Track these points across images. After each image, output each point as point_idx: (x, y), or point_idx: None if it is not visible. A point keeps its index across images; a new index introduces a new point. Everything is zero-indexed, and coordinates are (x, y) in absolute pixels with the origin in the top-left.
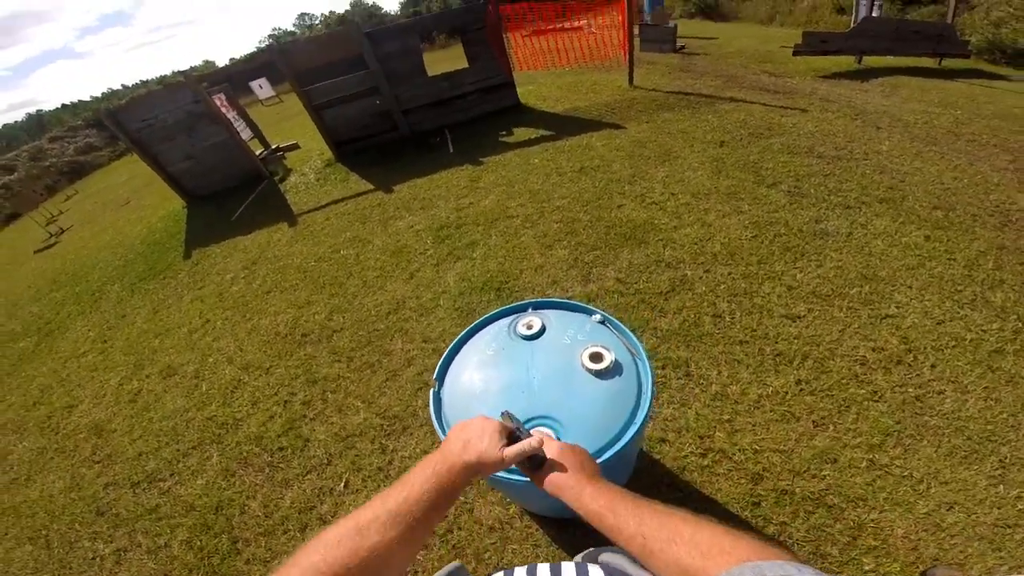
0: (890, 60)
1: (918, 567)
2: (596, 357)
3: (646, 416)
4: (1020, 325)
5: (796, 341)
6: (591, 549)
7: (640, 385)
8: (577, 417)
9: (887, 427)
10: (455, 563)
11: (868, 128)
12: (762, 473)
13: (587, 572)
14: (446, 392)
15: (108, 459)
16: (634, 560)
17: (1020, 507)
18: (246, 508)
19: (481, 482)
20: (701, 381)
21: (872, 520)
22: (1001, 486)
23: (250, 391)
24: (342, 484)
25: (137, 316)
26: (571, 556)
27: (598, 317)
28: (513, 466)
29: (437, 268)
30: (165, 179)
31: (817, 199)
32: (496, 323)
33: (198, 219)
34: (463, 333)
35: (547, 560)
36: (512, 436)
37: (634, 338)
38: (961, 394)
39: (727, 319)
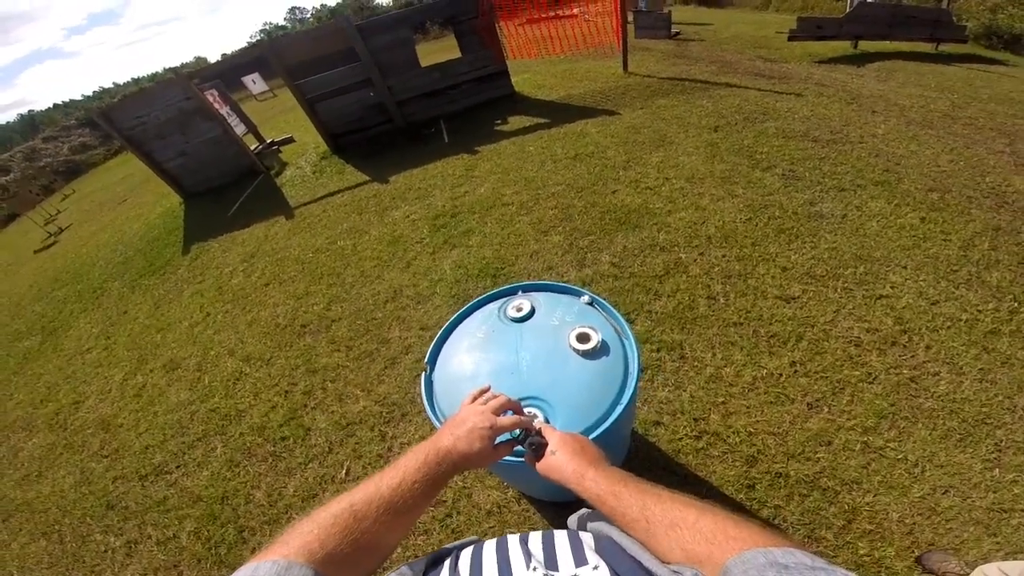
0: (886, 45)
1: (913, 552)
2: (583, 338)
3: (633, 394)
4: (1016, 305)
5: (790, 322)
6: (585, 511)
7: (627, 364)
8: (565, 397)
9: (881, 409)
10: (473, 537)
11: (864, 112)
12: (756, 456)
13: (578, 538)
14: (438, 376)
15: (116, 453)
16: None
17: (1016, 491)
18: (251, 498)
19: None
20: (696, 363)
21: (867, 504)
22: (997, 469)
23: (252, 382)
24: (343, 471)
25: (139, 312)
26: None
27: (586, 298)
28: (517, 448)
29: (433, 256)
30: (161, 176)
31: (812, 182)
32: (486, 307)
33: (195, 215)
34: (454, 317)
35: None
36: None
37: (621, 318)
38: (956, 376)
39: (721, 301)
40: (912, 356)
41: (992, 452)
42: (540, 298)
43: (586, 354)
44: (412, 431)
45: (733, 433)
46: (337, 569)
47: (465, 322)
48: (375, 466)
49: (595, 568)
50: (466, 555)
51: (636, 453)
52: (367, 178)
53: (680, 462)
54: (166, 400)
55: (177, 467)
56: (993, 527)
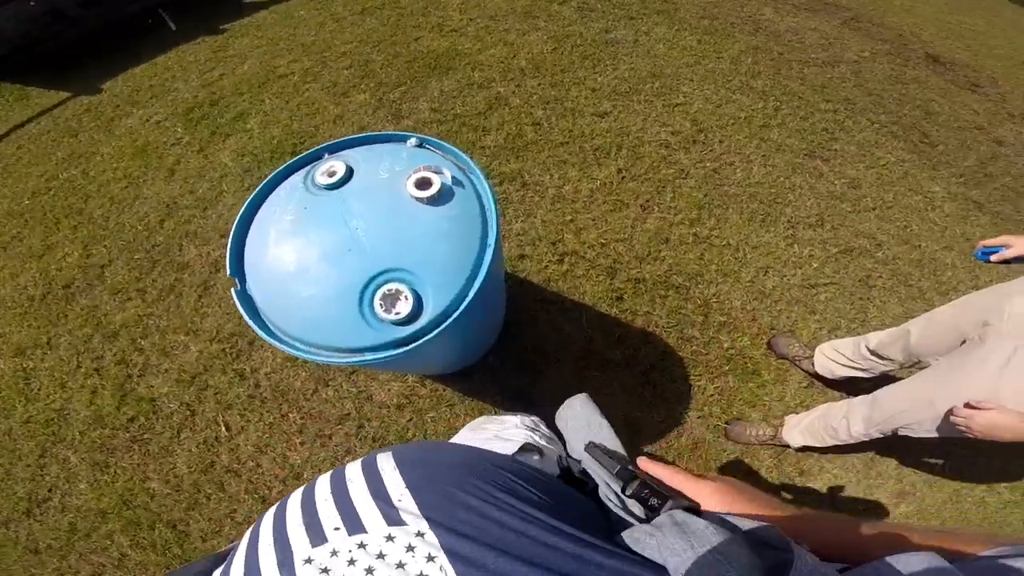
0: None
1: (762, 338)
2: (423, 183)
3: (498, 234)
4: (778, 104)
5: (608, 134)
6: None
7: (481, 202)
8: (426, 258)
9: (699, 200)
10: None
11: None
12: (614, 266)
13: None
14: (254, 285)
15: None
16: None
17: (815, 265)
18: (151, 491)
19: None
20: (538, 188)
21: (714, 294)
22: (796, 245)
23: (45, 375)
24: (223, 428)
25: None
26: (486, 404)
27: (414, 141)
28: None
29: (203, 153)
30: None
31: (604, 12)
32: (285, 182)
33: None
34: (243, 209)
35: (468, 415)
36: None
37: (460, 153)
38: (746, 164)
39: (545, 126)
40: (711, 150)
41: (788, 229)
42: (356, 155)
43: (432, 201)
44: (272, 357)
45: (588, 248)
46: None
47: (262, 209)
48: (252, 412)
49: (419, 535)
50: (246, 537)
51: (512, 295)
52: (67, 94)
53: (553, 290)
54: None
55: (49, 491)
56: (810, 304)
